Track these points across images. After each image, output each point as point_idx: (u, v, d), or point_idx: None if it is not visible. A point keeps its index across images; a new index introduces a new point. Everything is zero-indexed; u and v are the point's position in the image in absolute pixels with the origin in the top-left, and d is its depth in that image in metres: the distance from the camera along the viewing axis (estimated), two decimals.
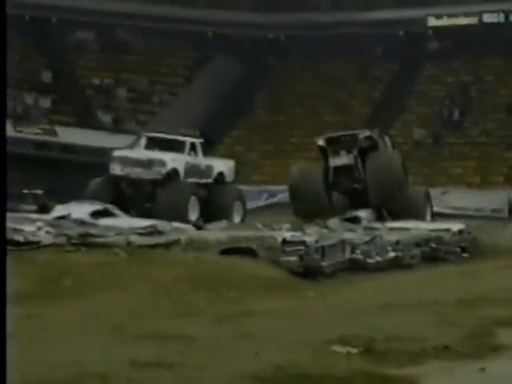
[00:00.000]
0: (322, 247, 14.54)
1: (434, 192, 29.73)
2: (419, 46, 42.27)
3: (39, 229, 16.20)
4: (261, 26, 42.25)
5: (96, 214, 18.03)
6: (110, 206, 18.80)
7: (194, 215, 19.97)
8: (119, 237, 15.41)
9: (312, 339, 8.29)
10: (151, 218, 18.30)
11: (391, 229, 18.15)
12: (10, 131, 35.97)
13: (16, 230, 15.36)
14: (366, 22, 40.63)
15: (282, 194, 29.06)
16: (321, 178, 21.75)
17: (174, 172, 20.39)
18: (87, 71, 40.91)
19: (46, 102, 38.67)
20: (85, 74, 40.77)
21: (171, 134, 21.60)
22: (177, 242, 15.00)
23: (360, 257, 15.55)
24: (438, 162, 36.60)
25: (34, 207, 23.74)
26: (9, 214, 19.05)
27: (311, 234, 15.42)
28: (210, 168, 21.74)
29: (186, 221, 18.79)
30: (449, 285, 13.45)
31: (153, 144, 21.22)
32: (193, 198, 20.21)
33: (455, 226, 19.22)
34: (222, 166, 22.47)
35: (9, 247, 14.28)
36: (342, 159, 21.74)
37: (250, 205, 25.81)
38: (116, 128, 38.22)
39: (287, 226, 16.95)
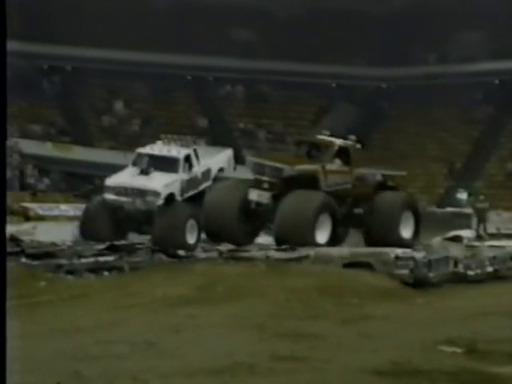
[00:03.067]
0: (429, 261, 14.28)
1: None
2: None
3: None
4: (376, 78, 42.00)
5: None
6: None
7: (192, 239, 16.77)
8: (260, 252, 15.50)
9: (422, 340, 8.08)
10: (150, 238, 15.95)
11: (490, 246, 17.58)
12: None
13: None
14: (465, 73, 39.68)
15: None
16: (237, 203, 16.69)
17: (170, 196, 17.28)
18: (235, 117, 41.71)
19: (202, 143, 39.56)
20: (233, 119, 41.58)
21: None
22: (307, 256, 14.97)
23: (462, 270, 15.11)
24: None
25: None
26: None
27: (419, 251, 15.12)
28: (207, 172, 18.57)
29: (184, 245, 15.94)
30: None
31: (148, 162, 17.67)
32: (190, 223, 16.83)
33: None
34: (220, 161, 19.24)
35: (173, 260, 14.68)
36: (258, 195, 16.54)
37: None
38: None
39: None
